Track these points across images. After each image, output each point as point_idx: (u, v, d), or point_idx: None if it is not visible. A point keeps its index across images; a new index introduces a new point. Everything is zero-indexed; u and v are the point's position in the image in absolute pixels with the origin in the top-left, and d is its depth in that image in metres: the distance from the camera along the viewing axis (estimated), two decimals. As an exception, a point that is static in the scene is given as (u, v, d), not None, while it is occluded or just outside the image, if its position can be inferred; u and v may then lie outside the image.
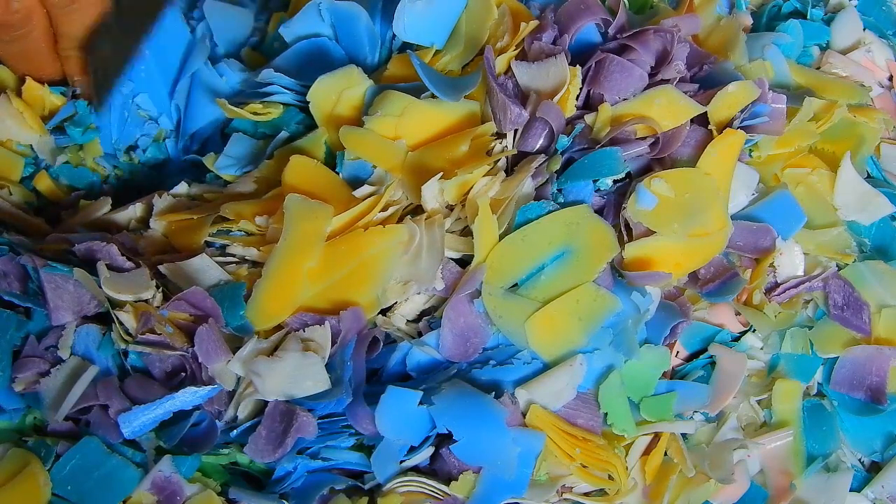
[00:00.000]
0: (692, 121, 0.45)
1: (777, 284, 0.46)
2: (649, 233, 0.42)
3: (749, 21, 0.54)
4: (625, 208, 0.42)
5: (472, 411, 0.39)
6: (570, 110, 0.45)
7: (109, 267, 0.41)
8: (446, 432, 0.39)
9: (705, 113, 0.45)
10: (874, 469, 0.45)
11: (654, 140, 0.44)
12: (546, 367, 0.41)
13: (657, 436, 0.42)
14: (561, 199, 0.43)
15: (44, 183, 0.50)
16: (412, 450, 0.40)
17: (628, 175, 0.44)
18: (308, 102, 0.46)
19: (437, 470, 0.40)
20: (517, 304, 0.41)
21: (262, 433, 0.39)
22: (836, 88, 0.51)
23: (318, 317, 0.40)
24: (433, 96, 0.44)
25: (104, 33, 0.51)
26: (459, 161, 0.43)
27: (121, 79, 0.51)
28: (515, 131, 0.44)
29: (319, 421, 0.39)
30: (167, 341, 0.39)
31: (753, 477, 0.43)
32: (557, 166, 0.43)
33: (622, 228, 0.43)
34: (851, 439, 0.45)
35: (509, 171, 0.44)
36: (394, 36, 0.49)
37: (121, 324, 0.40)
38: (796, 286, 0.46)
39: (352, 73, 0.46)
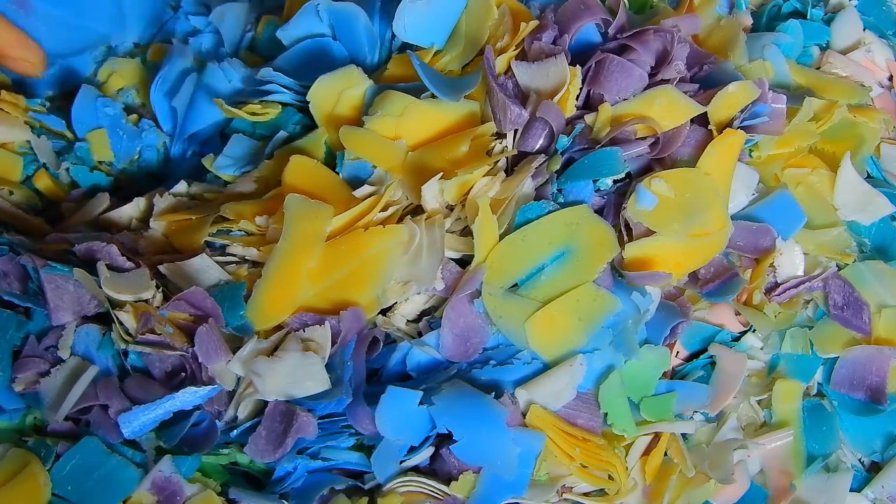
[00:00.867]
0: (692, 121, 0.45)
1: (777, 284, 0.46)
2: (649, 233, 0.42)
3: (749, 21, 0.54)
4: (625, 208, 0.42)
5: (472, 411, 0.39)
6: (570, 110, 0.45)
7: (109, 267, 0.41)
8: (446, 432, 0.39)
9: (705, 113, 0.45)
10: (874, 469, 0.45)
11: (654, 140, 0.44)
12: (546, 367, 0.41)
13: (657, 436, 0.42)
14: (561, 199, 0.43)
15: (43, 182, 0.50)
16: (412, 450, 0.40)
17: (628, 175, 0.44)
18: (307, 102, 0.46)
19: (437, 470, 0.40)
20: (517, 304, 0.41)
21: (262, 433, 0.39)
22: (836, 88, 0.51)
23: (318, 317, 0.40)
24: (433, 96, 0.44)
25: None
26: (459, 161, 0.43)
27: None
28: (515, 131, 0.44)
29: (319, 421, 0.39)
30: (167, 341, 0.39)
31: (753, 477, 0.43)
32: (557, 166, 0.43)
33: (622, 228, 0.43)
34: (851, 439, 0.45)
35: (509, 171, 0.44)
36: (393, 36, 0.49)
37: (121, 324, 0.40)
38: (796, 286, 0.46)
39: (352, 73, 0.46)
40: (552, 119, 0.44)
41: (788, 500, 0.43)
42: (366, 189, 0.43)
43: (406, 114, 0.44)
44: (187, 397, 0.39)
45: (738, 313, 0.45)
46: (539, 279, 0.41)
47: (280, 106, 0.48)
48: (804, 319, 0.46)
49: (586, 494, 0.41)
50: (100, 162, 0.51)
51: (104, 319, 0.41)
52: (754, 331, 0.45)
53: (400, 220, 0.42)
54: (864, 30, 0.56)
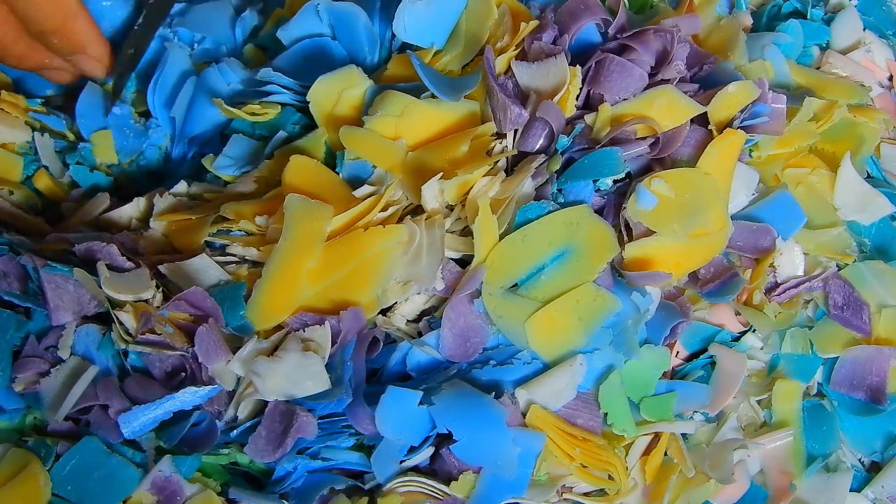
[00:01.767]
0: (692, 121, 0.45)
1: (777, 284, 0.46)
2: (649, 233, 0.42)
3: (749, 21, 0.54)
4: (625, 208, 0.42)
5: (472, 411, 0.39)
6: (570, 110, 0.45)
7: (109, 267, 0.41)
8: (446, 432, 0.39)
9: (705, 113, 0.45)
10: (874, 469, 0.45)
11: (654, 140, 0.44)
12: (546, 367, 0.41)
13: (657, 436, 0.42)
14: (561, 199, 0.43)
15: (44, 182, 0.50)
16: (412, 450, 0.40)
17: (628, 175, 0.44)
18: (307, 102, 0.46)
19: (437, 470, 0.40)
20: (517, 304, 0.41)
21: (262, 433, 0.39)
22: (836, 88, 0.51)
23: (318, 317, 0.40)
24: (433, 96, 0.44)
25: (130, 35, 0.51)
26: (459, 161, 0.43)
27: (133, 70, 0.51)
28: (515, 131, 0.44)
29: (319, 421, 0.39)
30: (167, 341, 0.39)
31: (753, 477, 0.43)
32: (557, 166, 0.43)
33: (622, 228, 0.43)
34: (851, 439, 0.45)
35: (509, 171, 0.44)
36: (393, 36, 0.49)
37: (121, 324, 0.40)
38: (796, 286, 0.46)
39: (352, 72, 0.46)
40: (552, 119, 0.44)
41: (788, 500, 0.43)
42: (366, 189, 0.43)
43: (406, 114, 0.44)
44: (187, 397, 0.39)
45: (738, 313, 0.45)
46: (539, 279, 0.41)
47: (279, 106, 0.48)
48: (804, 319, 0.46)
49: (586, 494, 0.41)
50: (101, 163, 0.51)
51: (104, 319, 0.41)
52: (754, 331, 0.45)
53: (400, 220, 0.42)
54: (864, 30, 0.56)
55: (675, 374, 0.44)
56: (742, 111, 0.45)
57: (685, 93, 0.45)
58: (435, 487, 0.39)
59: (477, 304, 0.41)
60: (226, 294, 0.40)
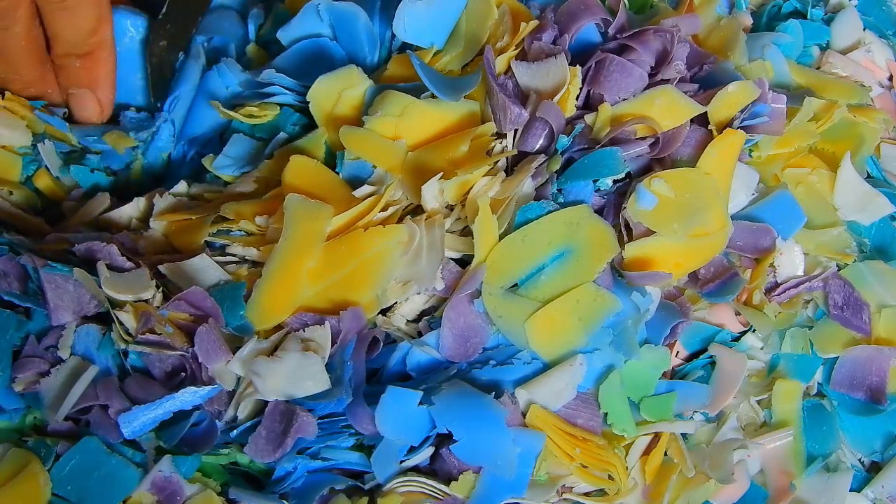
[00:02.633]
0: (692, 121, 0.45)
1: (777, 284, 0.46)
2: (649, 233, 0.42)
3: (749, 21, 0.54)
4: (625, 208, 0.42)
5: (472, 411, 0.39)
6: (570, 110, 0.45)
7: (109, 267, 0.41)
8: (446, 432, 0.39)
9: (705, 113, 0.45)
10: (874, 469, 0.45)
11: (654, 140, 0.44)
12: (546, 367, 0.41)
13: (657, 436, 0.42)
14: (561, 199, 0.43)
15: (44, 182, 0.50)
16: (412, 450, 0.40)
17: (628, 175, 0.44)
18: (307, 102, 0.46)
19: (437, 470, 0.40)
20: (517, 304, 0.41)
21: (262, 433, 0.39)
22: (836, 88, 0.51)
23: (318, 317, 0.40)
24: (433, 96, 0.44)
25: (159, 29, 0.50)
26: (459, 161, 0.43)
27: (177, 71, 0.51)
28: (515, 131, 0.44)
29: (319, 421, 0.39)
30: (167, 341, 0.39)
31: (753, 477, 0.43)
32: (557, 166, 0.43)
33: (622, 228, 0.43)
34: (851, 439, 0.45)
35: (509, 171, 0.44)
36: (393, 36, 0.49)
37: (121, 324, 0.40)
38: (796, 286, 0.46)
39: (352, 73, 0.46)
40: (552, 119, 0.44)
41: (788, 500, 0.43)
42: (366, 189, 0.43)
43: (406, 114, 0.44)
44: (187, 397, 0.39)
45: (738, 313, 0.45)
46: (539, 279, 0.41)
47: (278, 107, 0.48)
48: (804, 319, 0.46)
49: (586, 494, 0.41)
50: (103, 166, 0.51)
51: (104, 319, 0.41)
52: (754, 331, 0.45)
53: (400, 220, 0.42)
54: (864, 30, 0.56)
55: (675, 374, 0.44)
56: (742, 111, 0.45)
57: (685, 93, 0.45)
58: (435, 487, 0.39)
59: (477, 304, 0.41)
60: (226, 294, 0.40)
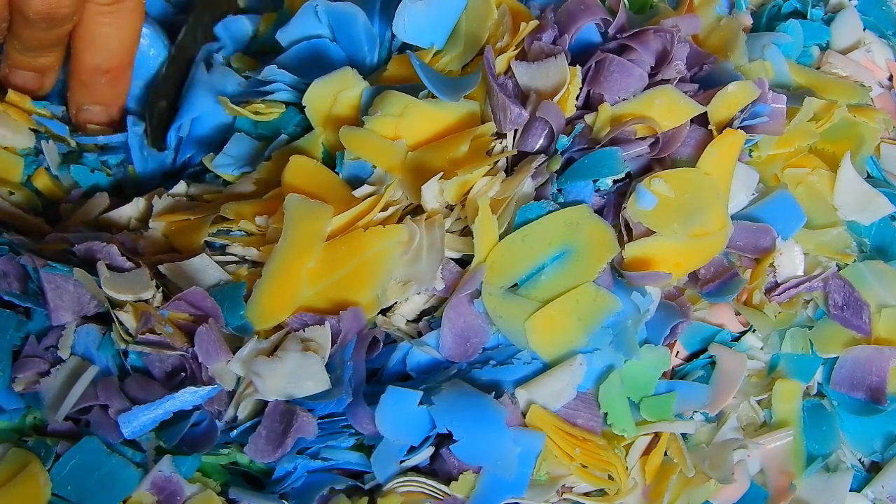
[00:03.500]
0: (692, 121, 0.45)
1: (777, 284, 0.46)
2: (649, 233, 0.42)
3: (749, 21, 0.54)
4: (625, 208, 0.42)
5: (472, 411, 0.39)
6: (570, 110, 0.45)
7: (109, 267, 0.41)
8: (446, 432, 0.39)
9: (705, 113, 0.45)
10: (874, 469, 0.45)
11: (654, 140, 0.44)
12: (546, 367, 0.41)
13: (657, 436, 0.42)
14: (561, 199, 0.43)
15: (43, 182, 0.50)
16: (412, 450, 0.40)
17: (628, 175, 0.44)
18: (308, 102, 0.46)
19: (437, 470, 0.40)
20: (517, 304, 0.41)
21: (262, 433, 0.39)
22: (836, 88, 0.51)
23: (318, 317, 0.40)
24: (433, 96, 0.44)
25: (161, 85, 0.51)
26: (459, 161, 0.43)
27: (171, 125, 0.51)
28: (515, 131, 0.44)
29: (319, 421, 0.39)
30: (167, 341, 0.39)
31: (753, 477, 0.43)
32: (557, 166, 0.43)
33: (622, 228, 0.43)
34: (851, 439, 0.45)
35: (509, 171, 0.44)
36: (393, 36, 0.49)
37: (121, 324, 0.40)
38: (796, 286, 0.46)
39: (347, 74, 0.46)
40: (552, 119, 0.44)
41: (788, 500, 0.43)
42: (366, 189, 0.43)
43: (406, 114, 0.44)
44: (187, 397, 0.39)
45: (738, 313, 0.45)
46: (539, 279, 0.41)
47: (283, 105, 0.48)
48: (804, 319, 0.46)
49: (586, 494, 0.41)
50: (102, 162, 0.51)
51: (104, 319, 0.41)
52: (754, 331, 0.45)
53: (400, 220, 0.42)
54: (864, 30, 0.56)
55: (675, 374, 0.44)
56: (742, 111, 0.45)
57: (685, 93, 0.45)
58: (435, 487, 0.39)
59: (477, 304, 0.41)
60: (226, 294, 0.40)
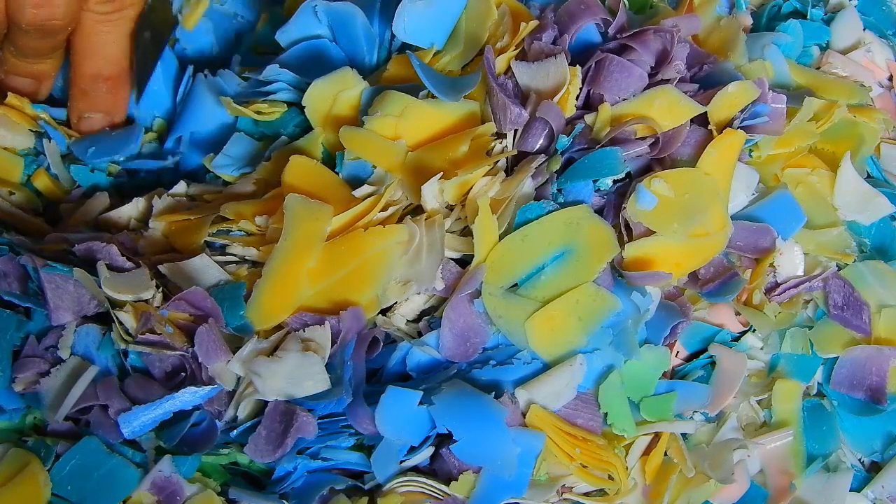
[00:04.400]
0: (692, 121, 0.45)
1: (777, 284, 0.46)
2: (649, 233, 0.42)
3: (749, 21, 0.54)
4: (625, 208, 0.42)
5: (472, 411, 0.39)
6: (570, 110, 0.45)
7: (109, 267, 0.41)
8: (446, 432, 0.39)
9: (705, 113, 0.45)
10: (874, 469, 0.45)
11: (654, 140, 0.44)
12: (546, 367, 0.41)
13: (657, 436, 0.42)
14: (561, 199, 0.43)
15: (43, 182, 0.50)
16: (412, 450, 0.40)
17: (628, 175, 0.44)
18: (308, 102, 0.46)
19: (437, 470, 0.40)
20: (517, 304, 0.41)
21: (262, 433, 0.39)
22: (836, 88, 0.51)
23: (318, 317, 0.40)
24: (432, 96, 0.44)
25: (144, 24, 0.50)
26: (459, 161, 0.43)
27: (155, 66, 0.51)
28: (515, 131, 0.44)
29: (319, 421, 0.39)
30: (167, 341, 0.39)
31: (753, 477, 0.43)
32: (557, 166, 0.43)
33: (622, 228, 0.43)
34: (851, 439, 0.45)
35: (509, 171, 0.44)
36: (393, 36, 0.49)
37: (121, 324, 0.40)
38: (796, 286, 0.46)
39: (346, 75, 0.46)
40: (552, 119, 0.44)
41: (788, 500, 0.43)
42: (365, 189, 0.43)
43: (406, 114, 0.44)
44: (187, 397, 0.39)
45: (738, 313, 0.45)
46: (539, 279, 0.41)
47: (285, 105, 0.48)
48: (804, 319, 0.46)
49: (586, 494, 0.41)
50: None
51: (104, 319, 0.41)
52: (754, 331, 0.45)
53: (400, 220, 0.42)
54: (864, 30, 0.56)
55: (675, 374, 0.44)
56: (742, 111, 0.45)
57: (685, 93, 0.45)
58: (435, 487, 0.39)
59: (477, 304, 0.41)
60: (226, 294, 0.40)
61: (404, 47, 0.47)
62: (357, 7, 0.48)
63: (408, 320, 0.43)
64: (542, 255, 0.41)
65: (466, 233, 0.43)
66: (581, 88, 0.45)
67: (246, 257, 0.43)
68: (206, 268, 0.41)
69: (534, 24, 0.46)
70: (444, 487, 0.39)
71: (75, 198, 0.49)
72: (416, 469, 0.40)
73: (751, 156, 0.48)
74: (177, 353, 0.39)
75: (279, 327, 0.40)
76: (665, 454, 0.42)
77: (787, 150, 0.48)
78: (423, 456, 0.40)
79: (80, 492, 0.38)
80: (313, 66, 0.48)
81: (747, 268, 0.46)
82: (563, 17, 0.47)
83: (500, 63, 0.45)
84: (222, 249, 0.43)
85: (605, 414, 0.41)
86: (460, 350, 0.41)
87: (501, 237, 0.42)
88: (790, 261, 0.46)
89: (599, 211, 0.43)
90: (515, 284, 0.41)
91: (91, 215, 0.47)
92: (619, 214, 0.43)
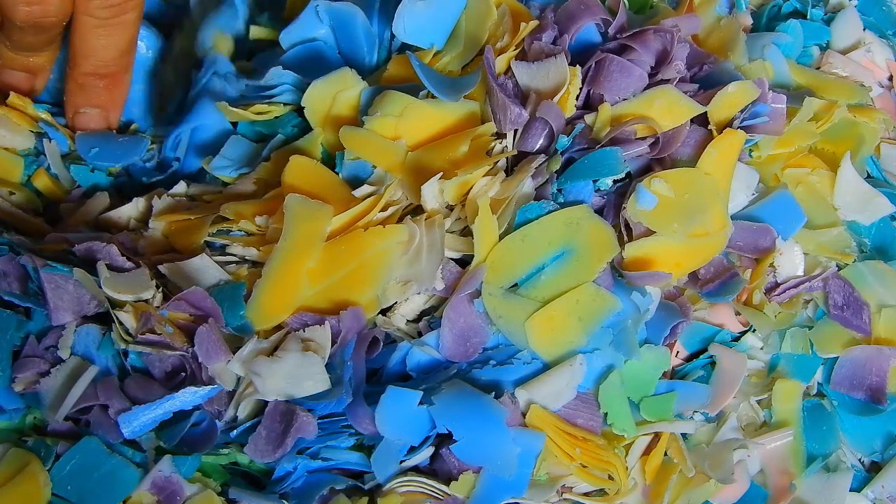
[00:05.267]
0: (692, 121, 0.45)
1: (777, 284, 0.46)
2: (649, 233, 0.42)
3: (749, 21, 0.54)
4: (625, 208, 0.42)
5: (472, 411, 0.39)
6: (570, 110, 0.45)
7: (109, 267, 0.41)
8: (446, 432, 0.39)
9: (705, 113, 0.45)
10: (874, 469, 0.45)
11: (654, 140, 0.44)
12: (546, 367, 0.41)
13: (657, 436, 0.42)
14: (561, 199, 0.43)
15: (43, 182, 0.50)
16: (412, 450, 0.40)
17: (628, 175, 0.44)
18: (307, 103, 0.46)
19: (437, 470, 0.40)
20: (517, 304, 0.41)
21: (262, 433, 0.39)
22: (836, 88, 0.51)
23: (318, 317, 0.40)
24: (431, 96, 0.44)
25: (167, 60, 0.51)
26: (459, 161, 0.43)
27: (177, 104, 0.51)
28: (515, 131, 0.44)
29: (319, 421, 0.39)
30: (167, 341, 0.39)
31: (753, 477, 0.43)
32: (557, 166, 0.43)
33: (622, 228, 0.43)
34: (851, 439, 0.45)
35: (509, 171, 0.44)
36: (393, 36, 0.49)
37: (121, 324, 0.40)
38: (796, 286, 0.46)
39: (346, 75, 0.46)
40: (552, 119, 0.44)
41: (788, 500, 0.43)
42: (365, 189, 0.43)
43: (406, 114, 0.44)
44: (187, 397, 0.39)
45: (738, 313, 0.45)
46: (539, 279, 0.41)
47: (283, 106, 0.48)
48: (804, 319, 0.46)
49: (586, 494, 0.41)
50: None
51: (104, 319, 0.41)
52: (754, 331, 0.45)
53: (400, 220, 0.42)
54: (864, 30, 0.56)
55: (675, 374, 0.44)
56: (742, 111, 0.45)
57: (685, 93, 0.45)
58: (435, 487, 0.39)
59: (477, 304, 0.41)
60: (226, 294, 0.40)
61: (404, 47, 0.48)
62: (357, 7, 0.48)
63: (408, 320, 0.43)
64: (542, 255, 0.41)
65: (466, 233, 0.43)
66: (581, 88, 0.45)
67: (246, 257, 0.43)
68: (206, 268, 0.41)
69: (534, 24, 0.46)
70: (444, 487, 0.39)
71: (75, 198, 0.49)
72: (416, 469, 0.40)
73: (751, 156, 0.48)
74: (177, 353, 0.39)
75: (279, 327, 0.40)
76: (665, 454, 0.42)
77: (787, 150, 0.48)
78: (423, 456, 0.40)
79: (80, 492, 0.38)
80: (313, 66, 0.48)
81: (747, 268, 0.46)
82: (563, 17, 0.47)
83: (500, 63, 0.45)
84: (222, 249, 0.43)
85: (605, 414, 0.41)
86: (460, 350, 0.41)
87: (501, 237, 0.42)
88: (790, 261, 0.46)
89: (599, 211, 0.43)
90: (515, 284, 0.41)
91: (91, 215, 0.47)
92: (619, 214, 0.43)
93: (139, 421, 0.38)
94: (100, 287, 0.40)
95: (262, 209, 0.43)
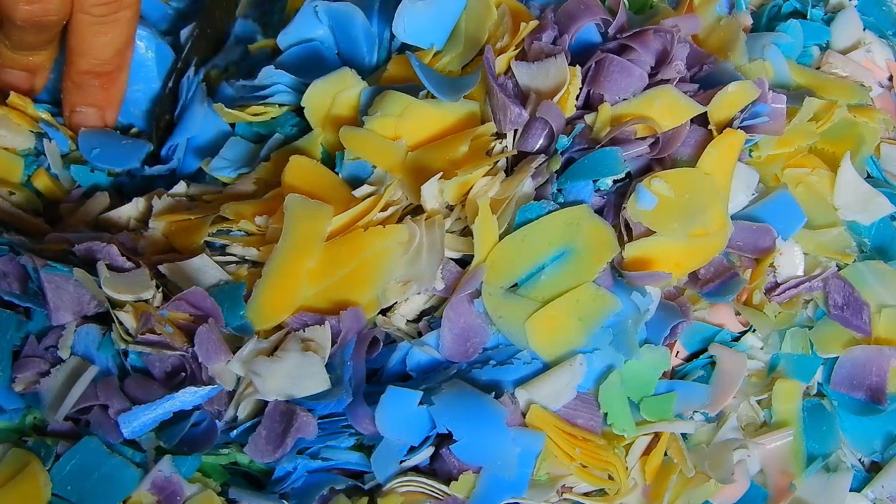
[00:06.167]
0: (692, 121, 0.45)
1: (777, 284, 0.46)
2: (649, 233, 0.42)
3: (749, 21, 0.54)
4: (625, 208, 0.42)
5: (472, 411, 0.39)
6: (570, 110, 0.45)
7: (109, 267, 0.41)
8: (446, 432, 0.39)
9: (705, 113, 0.45)
10: (874, 469, 0.45)
11: (654, 140, 0.44)
12: (546, 367, 0.41)
13: (657, 436, 0.42)
14: (561, 199, 0.43)
15: (43, 182, 0.50)
16: (412, 450, 0.40)
17: (628, 175, 0.44)
18: (306, 103, 0.46)
19: (437, 470, 0.40)
20: (517, 304, 0.41)
21: (262, 433, 0.39)
22: (836, 88, 0.51)
23: (318, 317, 0.40)
24: (432, 96, 0.44)
25: (167, 99, 0.51)
26: (459, 161, 0.43)
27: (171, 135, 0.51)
28: (515, 131, 0.44)
29: (319, 421, 0.39)
30: (167, 341, 0.39)
31: (753, 477, 0.43)
32: (557, 166, 0.43)
33: (622, 228, 0.43)
34: (851, 439, 0.45)
35: (509, 171, 0.44)
36: (393, 37, 0.49)
37: (121, 324, 0.40)
38: (796, 286, 0.46)
39: (345, 75, 0.46)
40: (552, 119, 0.44)
41: (788, 500, 0.43)
42: (365, 189, 0.43)
43: (406, 114, 0.44)
44: (187, 397, 0.39)
45: (738, 313, 0.45)
46: (539, 279, 0.41)
47: (279, 107, 0.48)
48: (804, 319, 0.46)
49: (586, 494, 0.41)
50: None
51: (104, 319, 0.41)
52: (754, 331, 0.45)
53: (400, 220, 0.42)
54: (864, 30, 0.56)
55: (675, 374, 0.44)
56: (742, 111, 0.45)
57: (685, 93, 0.45)
58: (435, 487, 0.39)
59: (477, 304, 0.41)
60: (226, 294, 0.40)
61: (404, 47, 0.48)
62: (357, 7, 0.48)
63: (408, 320, 0.43)
64: (542, 255, 0.41)
65: (466, 233, 0.43)
66: (581, 88, 0.45)
67: (246, 257, 0.43)
68: (206, 268, 0.42)
69: (534, 24, 0.46)
70: (444, 487, 0.39)
71: (75, 198, 0.49)
72: (416, 469, 0.40)
73: (751, 156, 0.48)
74: (177, 353, 0.39)
75: (279, 327, 0.40)
76: (665, 454, 0.42)
77: (787, 150, 0.48)
78: (423, 456, 0.40)
79: (80, 492, 0.38)
80: (312, 66, 0.48)
81: (747, 268, 0.46)
82: (563, 17, 0.47)
83: (500, 63, 0.45)
84: (222, 249, 0.43)
85: (605, 414, 0.41)
86: (460, 350, 0.41)
87: (501, 237, 0.42)
88: (790, 261, 0.46)
89: (599, 211, 0.43)
90: (515, 284, 0.41)
91: (91, 215, 0.47)
92: (619, 214, 0.43)
93: (139, 421, 0.38)
94: (100, 287, 0.40)
95: (262, 209, 0.43)
